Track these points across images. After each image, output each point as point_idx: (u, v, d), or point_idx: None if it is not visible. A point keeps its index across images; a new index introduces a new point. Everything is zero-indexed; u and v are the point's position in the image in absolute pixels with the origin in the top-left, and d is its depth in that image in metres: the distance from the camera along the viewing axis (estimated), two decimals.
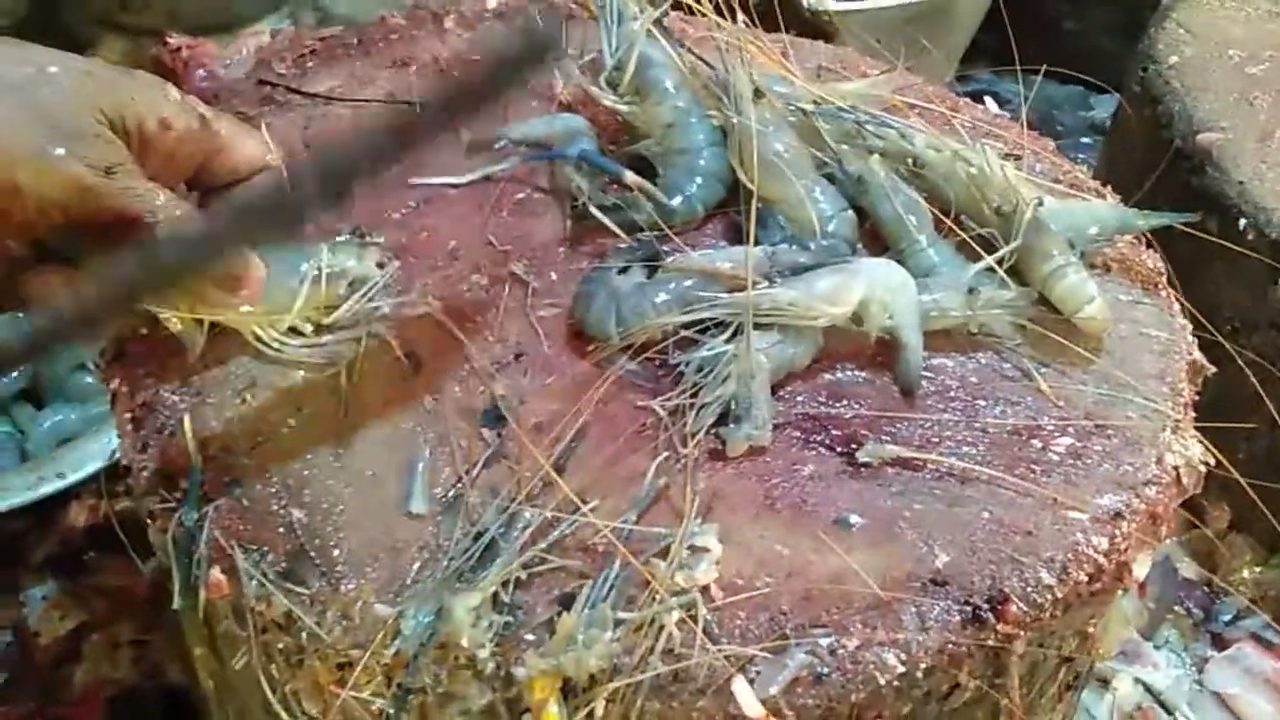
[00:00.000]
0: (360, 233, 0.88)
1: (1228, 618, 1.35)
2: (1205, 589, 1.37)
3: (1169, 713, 1.27)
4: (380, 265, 0.84)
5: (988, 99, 1.11)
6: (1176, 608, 1.35)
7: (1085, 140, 1.85)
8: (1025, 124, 1.01)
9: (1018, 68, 1.04)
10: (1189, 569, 1.38)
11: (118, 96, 0.76)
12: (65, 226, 0.74)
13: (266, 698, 0.73)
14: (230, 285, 0.77)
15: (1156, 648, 1.32)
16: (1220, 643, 1.33)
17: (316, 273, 0.81)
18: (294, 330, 0.82)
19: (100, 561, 1.27)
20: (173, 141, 0.80)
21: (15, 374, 1.35)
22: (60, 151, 0.72)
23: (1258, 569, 1.36)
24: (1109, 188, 1.01)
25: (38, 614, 1.25)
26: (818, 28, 1.50)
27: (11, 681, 1.20)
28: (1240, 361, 1.03)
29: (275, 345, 0.81)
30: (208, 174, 0.85)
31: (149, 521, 0.77)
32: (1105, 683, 1.27)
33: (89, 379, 1.36)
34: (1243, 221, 1.23)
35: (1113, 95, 1.58)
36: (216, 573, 0.72)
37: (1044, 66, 1.04)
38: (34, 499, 1.23)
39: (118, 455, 0.82)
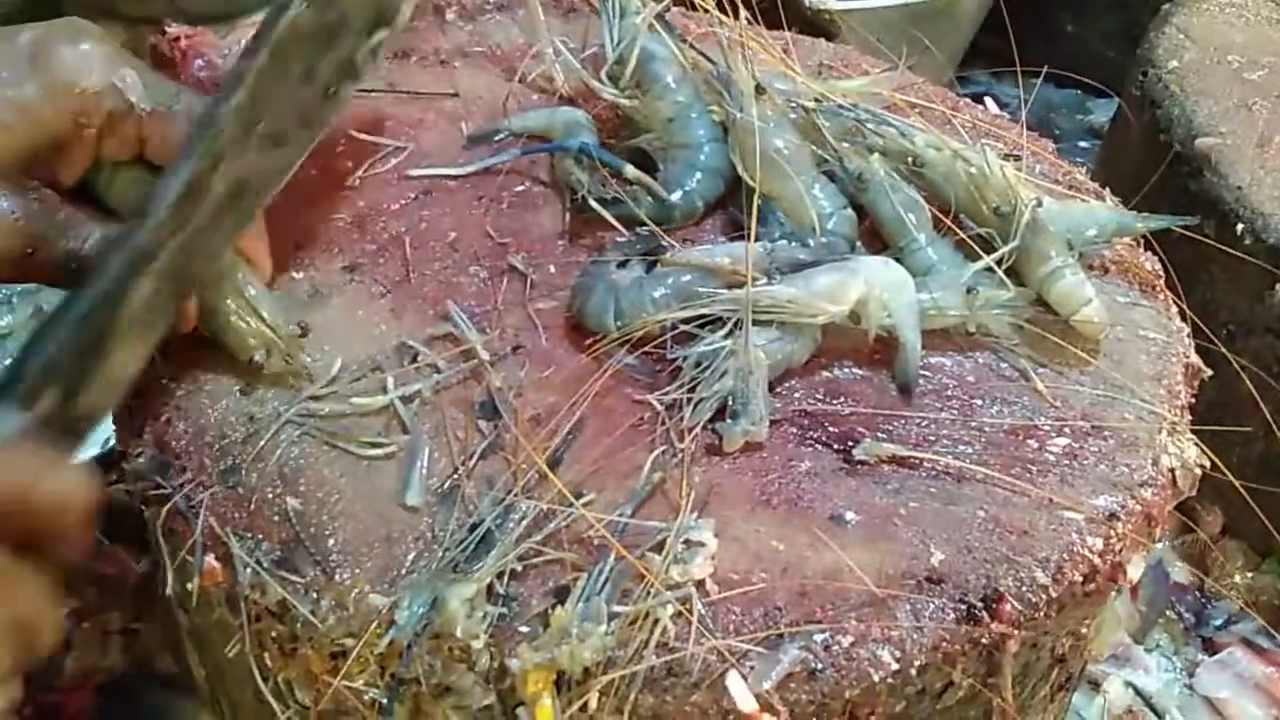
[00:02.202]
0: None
1: (1219, 622, 1.35)
2: (1197, 593, 1.37)
3: (1159, 716, 1.27)
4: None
5: (987, 100, 1.11)
6: (1168, 612, 1.35)
7: (1083, 144, 1.84)
8: (1025, 125, 1.01)
9: (1018, 69, 1.04)
10: (1181, 573, 1.38)
11: (32, 139, 0.74)
12: None
13: (259, 686, 0.73)
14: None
15: (1147, 651, 1.32)
16: (1211, 647, 1.33)
17: None
18: None
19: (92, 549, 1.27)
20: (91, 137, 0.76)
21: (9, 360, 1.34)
22: None
23: (1250, 574, 1.37)
24: (1107, 190, 1.01)
25: None
26: (819, 26, 1.50)
27: None
28: (1236, 366, 1.03)
29: None
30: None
31: (143, 509, 0.77)
32: (1096, 685, 1.27)
33: None
34: (1240, 226, 1.23)
35: (1111, 99, 1.58)
36: (211, 560, 0.72)
37: (1044, 68, 1.04)
38: None
39: (111, 443, 0.82)
